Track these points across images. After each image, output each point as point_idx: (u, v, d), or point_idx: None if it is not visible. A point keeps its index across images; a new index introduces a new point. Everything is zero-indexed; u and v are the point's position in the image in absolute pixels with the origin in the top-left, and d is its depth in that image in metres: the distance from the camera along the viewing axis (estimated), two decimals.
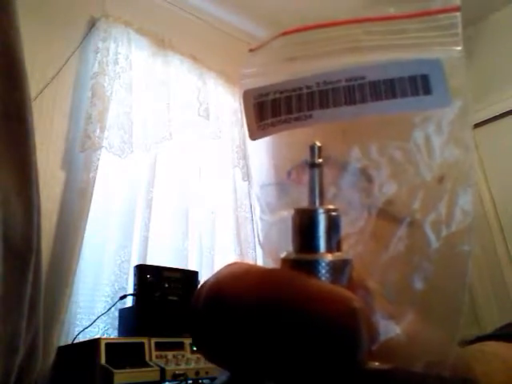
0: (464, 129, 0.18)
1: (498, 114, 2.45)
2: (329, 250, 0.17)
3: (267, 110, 0.20)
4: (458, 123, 0.18)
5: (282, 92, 0.20)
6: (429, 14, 0.19)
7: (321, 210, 0.17)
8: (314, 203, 0.17)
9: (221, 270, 0.17)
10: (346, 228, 0.18)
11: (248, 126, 0.21)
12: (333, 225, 0.17)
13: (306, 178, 0.19)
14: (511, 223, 2.31)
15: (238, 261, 0.18)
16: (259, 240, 0.20)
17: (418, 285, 0.18)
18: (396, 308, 0.18)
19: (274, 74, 0.20)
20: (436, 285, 0.18)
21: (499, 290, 2.26)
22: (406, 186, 0.19)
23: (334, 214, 0.17)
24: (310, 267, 0.16)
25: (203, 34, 2.40)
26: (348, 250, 0.17)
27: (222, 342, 0.16)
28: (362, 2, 1.31)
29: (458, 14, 0.19)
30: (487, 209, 2.39)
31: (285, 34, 0.21)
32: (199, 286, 0.17)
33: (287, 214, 0.18)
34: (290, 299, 0.15)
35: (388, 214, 0.19)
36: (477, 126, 2.52)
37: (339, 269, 0.16)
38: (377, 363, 0.16)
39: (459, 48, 0.18)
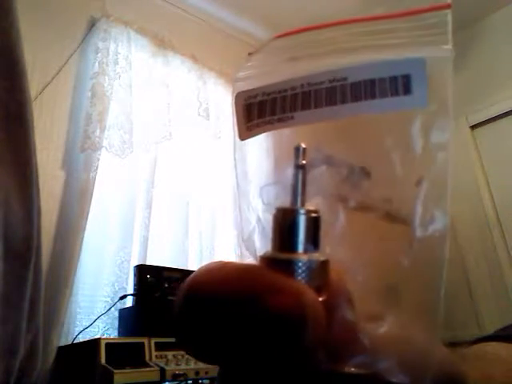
0: (443, 130, 0.18)
1: (498, 114, 2.45)
2: (306, 250, 0.17)
3: (254, 112, 0.21)
4: (438, 124, 0.18)
5: (268, 94, 0.20)
6: (417, 12, 0.19)
7: (301, 211, 0.17)
8: (296, 203, 0.17)
9: (200, 267, 0.18)
10: (325, 229, 0.18)
11: (238, 126, 0.21)
12: (312, 226, 0.17)
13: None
14: (511, 223, 2.31)
15: (220, 260, 0.18)
16: (242, 239, 0.21)
17: (395, 287, 0.18)
18: (374, 311, 0.18)
19: (264, 76, 0.21)
20: (412, 288, 0.18)
21: (499, 290, 2.26)
22: (386, 186, 0.19)
23: (314, 215, 0.17)
24: (286, 266, 0.16)
25: (203, 34, 2.40)
26: (326, 251, 0.18)
27: (200, 336, 0.16)
28: (360, 1, 1.31)
29: (448, 11, 0.18)
30: (487, 209, 2.39)
31: (277, 37, 0.21)
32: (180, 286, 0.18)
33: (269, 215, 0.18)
34: (248, 290, 0.16)
35: (367, 214, 0.19)
36: (477, 126, 2.52)
37: (314, 269, 0.16)
38: (353, 368, 0.17)
39: (448, 46, 0.18)
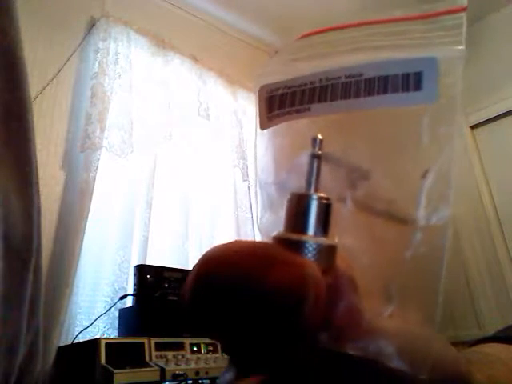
0: (449, 126, 0.19)
1: (498, 114, 2.45)
2: (316, 233, 0.18)
3: (275, 103, 0.22)
4: (445, 120, 0.19)
5: (289, 87, 0.22)
6: (434, 15, 0.20)
7: (314, 196, 0.18)
8: (309, 189, 0.18)
9: (213, 246, 0.18)
10: (335, 218, 0.19)
11: (259, 117, 0.23)
12: (323, 211, 0.18)
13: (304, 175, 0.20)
14: (511, 223, 2.31)
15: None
16: (257, 224, 0.22)
17: (396, 278, 0.19)
18: (376, 300, 0.19)
19: (286, 72, 0.22)
20: (413, 278, 0.19)
21: (499, 289, 2.26)
22: (392, 178, 0.20)
23: (325, 201, 0.18)
24: (295, 246, 0.17)
25: (203, 35, 2.40)
26: (334, 238, 0.18)
27: (210, 315, 0.17)
28: (363, 5, 1.32)
29: (462, 14, 0.19)
30: (487, 209, 2.39)
31: (301, 37, 0.23)
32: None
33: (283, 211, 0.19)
34: (255, 263, 0.16)
35: (373, 207, 0.20)
36: (477, 126, 2.52)
37: (322, 252, 0.17)
38: (353, 351, 0.17)
39: (461, 47, 0.19)
